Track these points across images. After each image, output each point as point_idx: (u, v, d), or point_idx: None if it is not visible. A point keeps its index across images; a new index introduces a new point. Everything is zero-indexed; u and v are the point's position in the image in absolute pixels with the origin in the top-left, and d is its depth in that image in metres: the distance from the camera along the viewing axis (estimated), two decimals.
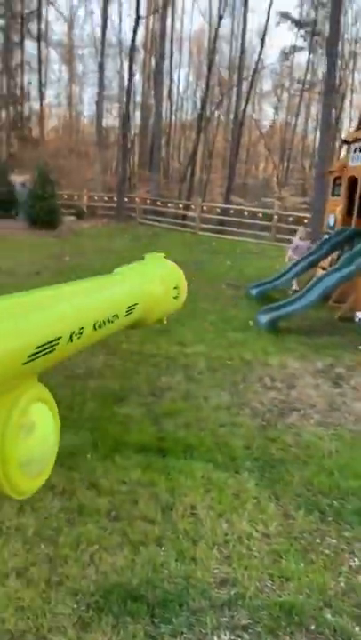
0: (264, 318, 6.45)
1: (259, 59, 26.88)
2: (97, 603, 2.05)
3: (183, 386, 4.38)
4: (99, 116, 30.89)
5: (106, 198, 26.06)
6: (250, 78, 27.30)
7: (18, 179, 20.24)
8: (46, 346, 0.36)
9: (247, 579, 2.24)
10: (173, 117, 35.90)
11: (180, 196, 29.01)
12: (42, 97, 33.80)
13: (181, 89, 39.85)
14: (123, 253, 12.85)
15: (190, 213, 21.76)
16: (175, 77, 35.56)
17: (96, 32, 33.77)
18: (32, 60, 34.27)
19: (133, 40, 21.60)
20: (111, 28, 31.11)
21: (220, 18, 23.61)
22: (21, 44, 33.49)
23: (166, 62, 26.30)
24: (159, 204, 22.75)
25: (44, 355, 0.37)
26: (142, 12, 23.46)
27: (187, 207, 23.59)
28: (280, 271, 8.93)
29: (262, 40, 24.63)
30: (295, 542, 2.50)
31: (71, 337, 0.41)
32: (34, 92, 34.67)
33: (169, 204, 23.55)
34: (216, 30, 25.07)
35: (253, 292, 8.27)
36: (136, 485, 2.86)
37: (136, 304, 0.54)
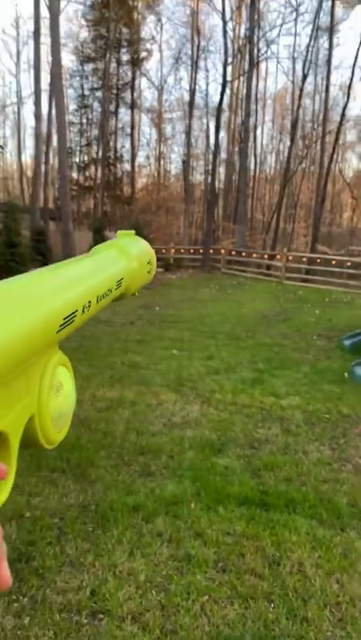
0: (360, 371, 6.27)
1: (343, 112, 27.15)
2: None
3: (281, 439, 4.35)
4: (185, 173, 32.41)
5: (192, 250, 26.93)
6: (335, 131, 27.56)
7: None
8: (69, 318, 0.41)
9: None
10: (257, 170, 36.81)
11: (265, 246, 29.30)
12: (133, 159, 36.26)
13: (265, 143, 40.99)
14: (208, 303, 13.17)
15: (275, 263, 21.85)
16: (258, 133, 36.68)
17: (184, 97, 36.00)
18: (125, 125, 37.16)
19: (220, 102, 22.76)
20: (198, 91, 33.04)
21: (305, 77, 24.34)
22: (116, 112, 36.49)
23: (251, 119, 27.27)
24: (243, 254, 23.11)
25: (67, 325, 0.41)
26: (228, 76, 24.77)
27: (271, 257, 23.74)
28: None
29: (348, 94, 24.93)
30: None
31: (83, 309, 0.46)
32: (126, 155, 37.32)
33: (253, 255, 23.84)
34: (301, 88, 25.83)
35: (346, 343, 8.07)
36: (241, 538, 2.87)
37: (122, 278, 0.57)
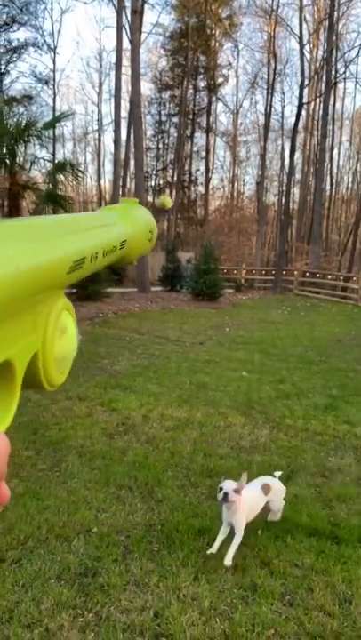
0: None
1: None
2: None
3: (354, 469, 4.14)
4: (259, 195, 32.40)
5: (263, 271, 26.73)
6: None
7: (184, 256, 21.92)
8: (79, 262, 0.40)
9: None
10: (333, 191, 36.08)
11: (340, 267, 28.49)
12: (207, 182, 36.83)
13: (341, 163, 40.14)
14: (280, 325, 12.94)
15: (351, 285, 21.15)
16: (335, 153, 36.05)
17: (259, 119, 36.22)
18: (200, 149, 37.93)
19: (296, 124, 22.68)
20: (273, 114, 33.11)
21: None
22: (191, 136, 37.36)
23: (327, 140, 26.87)
24: (318, 275, 22.59)
25: (76, 269, 0.40)
26: (304, 98, 24.67)
27: (347, 279, 23.02)
28: None
29: None
30: None
31: (91, 259, 0.44)
32: (200, 178, 37.99)
33: (328, 276, 23.25)
34: None
35: None
36: (310, 571, 2.75)
37: (125, 241, 0.55)
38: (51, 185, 10.98)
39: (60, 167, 11.55)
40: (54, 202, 10.75)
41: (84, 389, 5.95)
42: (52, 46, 31.13)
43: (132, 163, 26.10)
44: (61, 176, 11.42)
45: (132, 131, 21.79)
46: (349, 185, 41.21)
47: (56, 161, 13.90)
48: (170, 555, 2.84)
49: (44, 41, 30.38)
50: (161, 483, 3.73)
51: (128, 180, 29.77)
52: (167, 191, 36.67)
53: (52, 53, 31.33)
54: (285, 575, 2.70)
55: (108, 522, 3.16)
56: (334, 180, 36.84)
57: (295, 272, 23.06)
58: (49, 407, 5.28)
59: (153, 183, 37.71)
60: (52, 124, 12.01)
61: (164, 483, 3.73)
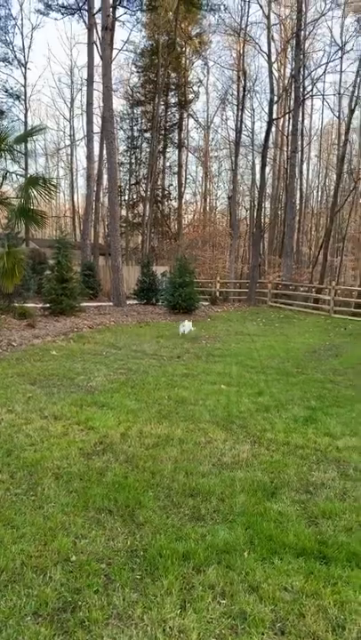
0: None
1: None
2: None
3: (338, 483, 4.06)
4: (232, 209, 32.67)
5: (238, 284, 26.86)
6: None
7: (159, 269, 21.82)
8: None
9: None
10: (303, 205, 36.65)
11: (312, 279, 28.86)
12: (180, 196, 36.99)
13: (310, 178, 40.92)
14: (256, 336, 12.91)
15: (323, 296, 21.40)
16: (304, 168, 36.71)
17: (230, 135, 36.66)
18: (172, 164, 38.11)
19: (266, 140, 22.99)
20: (244, 129, 33.52)
21: (352, 112, 24.31)
22: (164, 151, 37.53)
23: (297, 155, 27.33)
24: (291, 287, 22.78)
25: None
26: (274, 114, 25.07)
27: (319, 290, 23.30)
28: None
29: None
30: None
31: None
32: (173, 192, 38.13)
33: (301, 288, 23.48)
34: (348, 124, 25.80)
35: None
36: (300, 595, 2.62)
37: None
38: (23, 200, 10.76)
39: (33, 182, 11.35)
40: (26, 216, 10.55)
41: (59, 407, 5.74)
42: (23, 62, 31.04)
43: (105, 177, 25.97)
44: (34, 191, 11.22)
45: (104, 146, 21.73)
46: (318, 199, 42.05)
47: (28, 175, 13.70)
48: (154, 583, 2.68)
49: (15, 56, 30.27)
50: (142, 504, 3.57)
51: (101, 194, 29.64)
52: (140, 205, 36.69)
53: (23, 69, 31.23)
54: (275, 600, 2.57)
55: (88, 549, 2.98)
56: (304, 195, 37.47)
57: (268, 284, 23.21)
58: (23, 427, 5.05)
59: (126, 198, 37.67)
60: (23, 139, 11.83)
61: (145, 504, 3.57)
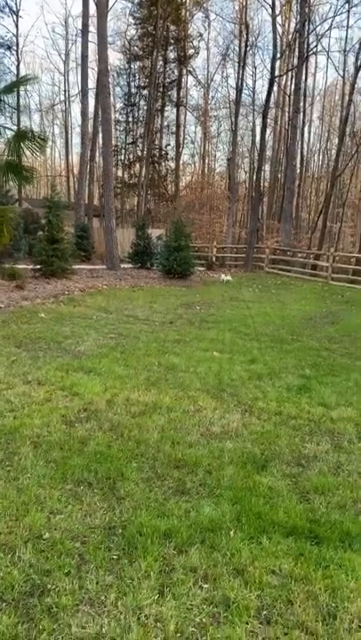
0: None
1: None
2: None
3: (332, 456, 3.86)
4: (231, 171, 31.82)
5: (235, 249, 26.40)
6: None
7: (155, 232, 21.33)
8: None
9: None
10: (303, 169, 35.73)
11: (310, 245, 28.43)
12: (178, 157, 35.97)
13: (311, 141, 39.80)
14: (251, 303, 12.66)
15: (321, 263, 21.04)
16: (305, 132, 35.58)
17: (230, 94, 35.37)
18: (171, 123, 36.90)
19: (268, 98, 22.11)
20: (245, 88, 32.25)
21: (358, 70, 23.29)
22: (162, 110, 36.27)
23: (299, 116, 26.36)
24: (288, 253, 22.38)
25: None
26: (276, 71, 24.05)
27: (317, 257, 22.91)
28: None
29: None
30: None
31: None
32: (171, 153, 37.06)
33: (298, 254, 23.08)
34: (352, 83, 24.81)
35: None
36: (289, 579, 2.43)
37: None
38: (10, 155, 10.22)
39: (22, 136, 10.78)
40: (14, 172, 10.04)
41: (44, 372, 5.49)
42: (15, 9, 29.52)
43: (100, 136, 25.05)
44: (22, 146, 10.66)
45: (99, 101, 20.81)
46: (319, 163, 41.05)
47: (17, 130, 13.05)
48: (131, 564, 2.48)
49: (6, 3, 28.76)
50: (124, 476, 3.36)
51: (97, 153, 28.73)
52: (137, 165, 35.70)
53: (15, 17, 29.72)
54: (262, 585, 2.37)
55: (62, 525, 2.77)
56: (305, 159, 36.49)
57: (266, 250, 22.79)
58: (3, 392, 4.81)
59: (122, 157, 36.60)
60: (11, 88, 11.18)
61: (127, 476, 3.36)
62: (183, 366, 6.18)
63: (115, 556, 2.54)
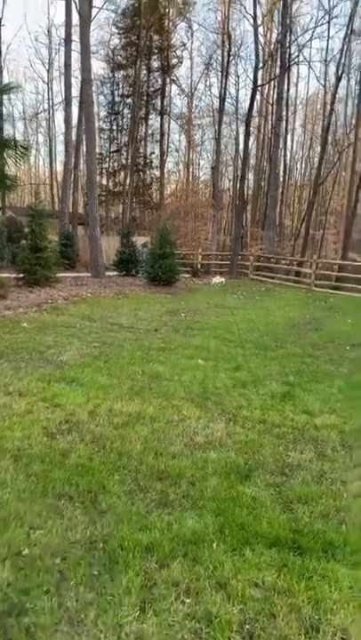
0: None
1: None
2: None
3: (315, 465, 3.85)
4: (215, 179, 32.00)
5: (219, 256, 26.49)
6: None
7: (140, 240, 21.33)
8: None
9: None
10: (286, 177, 36.09)
11: (294, 252, 28.65)
12: (162, 165, 36.10)
13: (294, 149, 40.21)
14: (236, 310, 12.67)
15: (305, 270, 21.21)
16: (288, 140, 35.96)
17: (214, 103, 35.62)
18: (155, 132, 37.03)
19: (251, 107, 22.32)
20: (228, 97, 32.48)
21: (339, 79, 23.66)
22: (146, 118, 36.41)
23: (281, 124, 26.63)
24: (272, 260, 22.53)
25: None
26: (259, 80, 24.30)
27: (301, 264, 23.09)
28: None
29: None
30: None
31: None
32: (155, 161, 37.17)
33: (282, 261, 23.25)
34: (334, 93, 25.15)
35: None
36: (271, 592, 2.40)
37: None
38: None
39: (4, 144, 10.74)
40: None
41: (25, 383, 5.42)
42: None
43: (84, 144, 25.03)
44: (5, 155, 10.61)
45: (83, 110, 20.80)
46: (302, 171, 41.47)
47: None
48: (112, 580, 2.43)
49: None
50: (106, 489, 3.31)
51: (81, 161, 28.68)
52: (121, 174, 35.74)
53: None
54: (244, 599, 2.34)
55: (43, 541, 2.71)
56: (288, 167, 36.87)
57: (250, 257, 22.91)
58: None
59: (107, 165, 36.61)
60: None
61: (109, 489, 3.31)
62: (167, 375, 6.15)
63: (95, 572, 2.49)
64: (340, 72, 23.85)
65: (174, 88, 38.39)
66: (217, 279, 18.52)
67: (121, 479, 3.47)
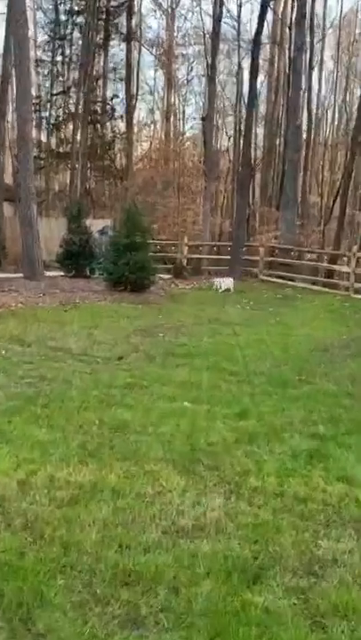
0: None
1: None
2: None
3: (358, 558, 3.87)
4: (207, 136, 32.39)
5: (215, 248, 26.73)
6: None
7: (96, 224, 21.42)
8: None
9: None
10: (312, 133, 36.75)
11: (324, 242, 29.05)
12: (130, 114, 36.43)
13: (323, 93, 40.99)
14: (240, 327, 12.80)
15: (340, 267, 21.50)
16: (314, 78, 36.70)
17: (206, 25, 36.22)
18: (118, 65, 37.43)
19: (259, 30, 22.75)
20: (226, 17, 33.10)
21: None
22: (105, 45, 36.81)
23: (305, 56, 27.22)
24: (292, 253, 22.83)
25: None
26: None
27: (334, 259, 23.41)
28: None
29: None
30: None
31: None
32: (119, 109, 37.55)
33: (307, 255, 23.55)
34: None
35: None
36: None
37: None
38: None
39: None
40: None
41: None
42: None
43: (14, 84, 25.22)
44: None
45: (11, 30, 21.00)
46: (335, 124, 42.20)
47: None
48: None
49: None
50: (45, 600, 3.27)
51: (9, 108, 28.87)
52: (70, 126, 35.99)
53: None
54: None
55: None
56: (313, 118, 37.53)
57: (260, 249, 23.21)
58: None
59: (47, 115, 36.85)
60: None
61: (49, 600, 3.28)
62: (137, 425, 6.23)
63: None
64: None
65: (146, 2, 39.06)
66: (225, 282, 18.68)
67: (67, 585, 3.44)
